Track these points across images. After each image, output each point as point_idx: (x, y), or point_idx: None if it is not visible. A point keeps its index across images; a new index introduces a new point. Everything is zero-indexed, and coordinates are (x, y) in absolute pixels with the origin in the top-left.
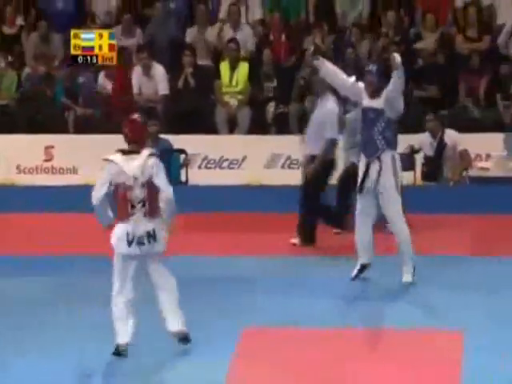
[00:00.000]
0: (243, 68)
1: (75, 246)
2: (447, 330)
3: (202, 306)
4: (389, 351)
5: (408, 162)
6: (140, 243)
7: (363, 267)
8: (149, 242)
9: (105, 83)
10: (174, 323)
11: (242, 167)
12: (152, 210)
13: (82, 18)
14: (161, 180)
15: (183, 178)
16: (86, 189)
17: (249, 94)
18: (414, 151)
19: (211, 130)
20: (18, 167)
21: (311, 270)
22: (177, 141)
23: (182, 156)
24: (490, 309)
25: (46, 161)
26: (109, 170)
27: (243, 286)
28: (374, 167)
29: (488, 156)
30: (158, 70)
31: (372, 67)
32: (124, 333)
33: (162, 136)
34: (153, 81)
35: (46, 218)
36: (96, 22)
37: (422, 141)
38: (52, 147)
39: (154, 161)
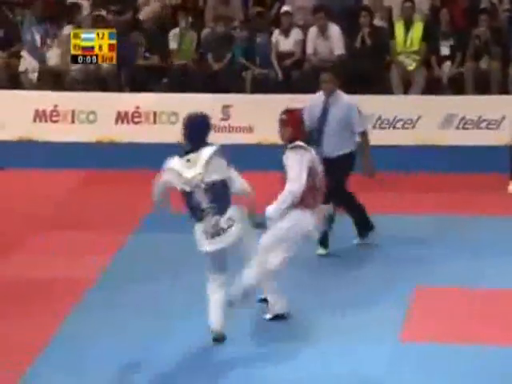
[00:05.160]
0: (418, 27)
1: None
2: None
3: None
4: None
5: None
6: None
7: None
8: None
9: (278, 41)
10: None
11: (417, 127)
12: None
13: None
14: None
15: None
16: (261, 148)
17: (424, 53)
18: None
19: (386, 90)
20: None
21: None
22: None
23: None
24: None
25: (223, 120)
26: None
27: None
28: None
29: None
30: (334, 30)
31: None
32: None
33: None
34: (328, 41)
35: None
36: None
37: None
38: (230, 106)
39: None
